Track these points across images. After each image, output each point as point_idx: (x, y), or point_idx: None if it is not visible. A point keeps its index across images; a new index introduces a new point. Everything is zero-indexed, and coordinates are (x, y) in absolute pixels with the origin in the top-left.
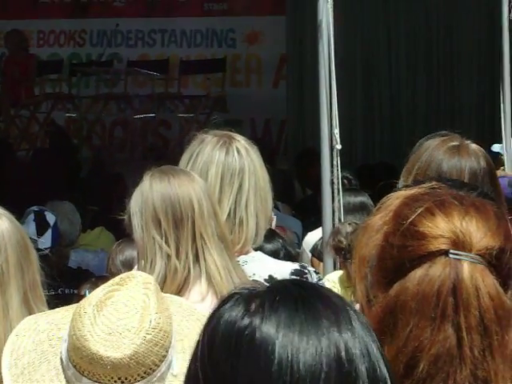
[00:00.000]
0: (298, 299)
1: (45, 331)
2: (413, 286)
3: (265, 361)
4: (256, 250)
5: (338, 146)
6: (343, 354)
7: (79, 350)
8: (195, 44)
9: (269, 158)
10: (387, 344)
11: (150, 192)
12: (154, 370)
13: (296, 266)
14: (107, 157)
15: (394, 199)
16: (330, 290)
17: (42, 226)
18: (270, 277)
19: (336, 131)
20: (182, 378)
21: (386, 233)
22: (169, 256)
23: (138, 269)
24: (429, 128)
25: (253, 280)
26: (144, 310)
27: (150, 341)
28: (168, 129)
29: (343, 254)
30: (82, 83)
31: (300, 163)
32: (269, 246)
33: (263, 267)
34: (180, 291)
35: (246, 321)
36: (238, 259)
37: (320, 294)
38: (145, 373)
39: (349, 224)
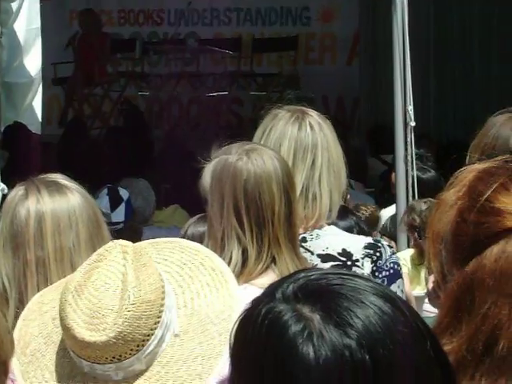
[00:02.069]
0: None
1: (48, 311)
2: (490, 263)
3: None
4: (329, 225)
5: (412, 123)
6: None
7: (68, 338)
8: (270, 22)
9: (342, 134)
10: (465, 321)
11: (234, 178)
12: (147, 340)
13: (369, 239)
14: (180, 135)
15: (468, 173)
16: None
17: (115, 201)
18: (344, 250)
19: (410, 108)
20: (186, 336)
21: (460, 208)
22: (247, 252)
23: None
24: (504, 102)
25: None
26: (124, 285)
27: (133, 316)
28: (241, 106)
29: (417, 231)
30: (155, 61)
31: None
32: (342, 223)
33: (336, 241)
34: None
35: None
36: (311, 233)
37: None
38: (137, 346)
39: (424, 202)
